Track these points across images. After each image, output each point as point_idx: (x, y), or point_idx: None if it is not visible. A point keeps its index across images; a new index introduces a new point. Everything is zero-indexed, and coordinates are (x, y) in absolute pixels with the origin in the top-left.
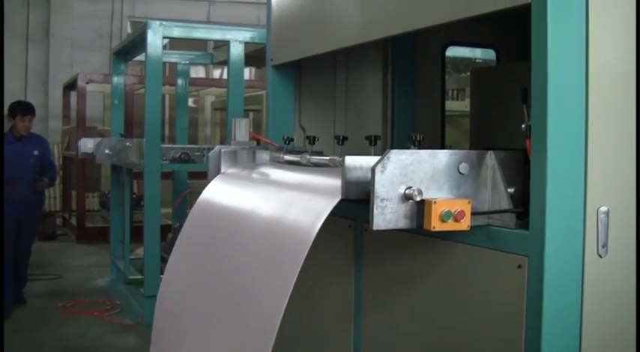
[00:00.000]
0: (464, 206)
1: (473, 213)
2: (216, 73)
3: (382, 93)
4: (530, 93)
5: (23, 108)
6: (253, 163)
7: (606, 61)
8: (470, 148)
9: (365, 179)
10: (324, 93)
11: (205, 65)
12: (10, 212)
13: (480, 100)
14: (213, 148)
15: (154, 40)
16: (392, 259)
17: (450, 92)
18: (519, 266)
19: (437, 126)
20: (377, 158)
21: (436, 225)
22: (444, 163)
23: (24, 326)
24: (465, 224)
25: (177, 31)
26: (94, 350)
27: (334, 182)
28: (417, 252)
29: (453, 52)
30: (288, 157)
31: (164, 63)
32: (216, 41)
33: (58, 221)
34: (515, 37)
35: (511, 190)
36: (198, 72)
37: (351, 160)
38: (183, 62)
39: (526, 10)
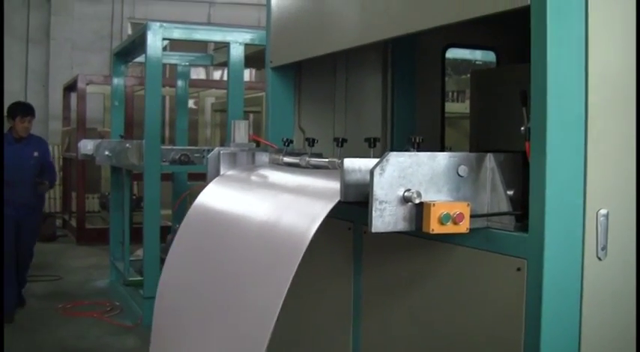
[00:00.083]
0: (463, 208)
1: (472, 216)
2: (217, 75)
3: (382, 95)
4: (530, 96)
5: (23, 109)
6: (252, 165)
7: (606, 63)
8: (470, 150)
9: (364, 181)
10: (324, 95)
11: (205, 66)
12: (11, 214)
13: (479, 102)
14: (212, 150)
15: (154, 41)
16: (391, 261)
17: (450, 94)
18: (518, 269)
19: (437, 128)
20: (376, 160)
21: (435, 228)
22: (443, 166)
23: (24, 327)
24: (464, 226)
25: (177, 33)
26: None
27: (331, 185)
28: (416, 255)
29: (453, 53)
30: (287, 159)
31: (164, 64)
32: (216, 43)
33: (58, 222)
34: (516, 38)
35: (510, 193)
36: (198, 73)
37: (349, 162)
38: (183, 63)
39: (526, 11)
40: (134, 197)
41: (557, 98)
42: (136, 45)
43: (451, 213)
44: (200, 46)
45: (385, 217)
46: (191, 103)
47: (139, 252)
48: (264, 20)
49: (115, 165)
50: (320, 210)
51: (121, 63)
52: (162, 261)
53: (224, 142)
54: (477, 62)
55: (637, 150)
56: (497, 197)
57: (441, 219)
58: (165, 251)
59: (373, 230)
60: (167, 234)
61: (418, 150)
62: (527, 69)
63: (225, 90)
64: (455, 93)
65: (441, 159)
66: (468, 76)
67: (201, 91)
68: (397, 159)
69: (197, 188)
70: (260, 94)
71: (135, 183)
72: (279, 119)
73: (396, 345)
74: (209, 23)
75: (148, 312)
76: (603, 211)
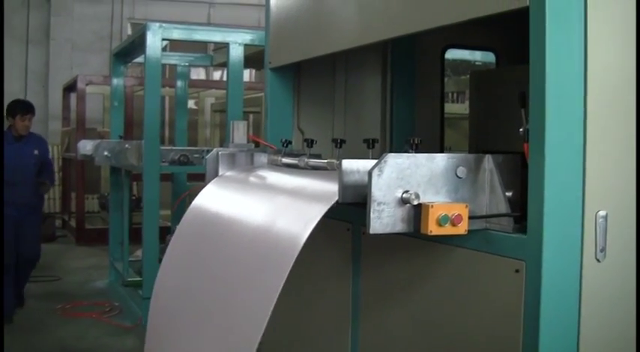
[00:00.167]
0: (461, 210)
1: (470, 217)
2: (217, 75)
3: (381, 95)
4: (529, 97)
5: (23, 107)
6: (251, 166)
7: (605, 65)
8: (469, 151)
9: (362, 182)
10: (323, 96)
11: (205, 67)
12: (12, 214)
13: (479, 103)
14: (212, 150)
15: (154, 41)
16: (390, 263)
17: (450, 94)
18: (517, 271)
19: (436, 129)
20: (374, 161)
21: (433, 229)
22: (441, 167)
23: (23, 327)
24: (462, 228)
25: (177, 33)
26: None
27: (327, 188)
28: (415, 256)
29: (452, 54)
30: (285, 160)
31: (164, 65)
32: (215, 43)
33: (58, 223)
34: (515, 39)
35: (509, 194)
36: (198, 73)
37: (348, 163)
38: (182, 64)
39: (525, 12)
40: (133, 197)
41: (556, 99)
42: (135, 45)
43: (449, 215)
44: (200, 46)
45: (383, 219)
46: (192, 104)
47: (139, 253)
48: (264, 21)
49: (115, 166)
50: (314, 215)
51: (121, 63)
52: (161, 261)
53: (223, 143)
54: (477, 63)
55: (637, 151)
56: (496, 198)
57: (440, 221)
58: (164, 251)
59: (371, 231)
60: (166, 234)
61: (416, 152)
62: (526, 70)
63: (224, 91)
64: (455, 94)
65: (440, 161)
66: (468, 76)
67: (201, 92)
68: (395, 161)
69: (196, 188)
70: (260, 95)
71: (134, 183)
72: (278, 120)
73: (395, 346)
74: (209, 24)
75: (147, 313)
76: (602, 213)
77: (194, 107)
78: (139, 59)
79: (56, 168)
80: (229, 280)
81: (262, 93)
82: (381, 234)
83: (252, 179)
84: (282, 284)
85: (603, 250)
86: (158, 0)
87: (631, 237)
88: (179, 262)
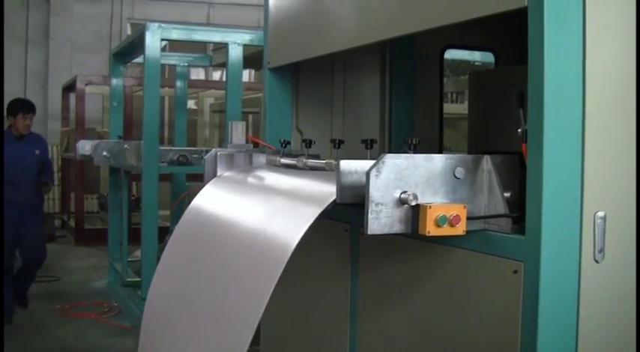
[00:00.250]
0: (459, 210)
1: (468, 218)
2: (216, 75)
3: (380, 96)
4: (527, 97)
5: (25, 106)
6: (249, 166)
7: (604, 65)
8: (468, 151)
9: (360, 183)
10: (322, 97)
11: (205, 67)
12: (13, 215)
13: (478, 103)
14: (210, 151)
15: (153, 42)
16: (388, 263)
17: (450, 95)
18: (515, 272)
19: (435, 130)
20: (372, 162)
21: (431, 230)
22: (439, 167)
23: (22, 328)
24: (460, 229)
25: (176, 33)
26: None
27: (323, 189)
28: (414, 257)
29: (451, 54)
30: (284, 160)
31: (164, 65)
32: (215, 43)
33: (57, 223)
34: (514, 40)
35: (507, 195)
36: (198, 74)
37: (346, 164)
38: (182, 64)
39: (524, 12)
40: (133, 198)
41: (554, 99)
42: (134, 45)
43: (447, 216)
44: (200, 46)
45: (381, 219)
46: (192, 104)
47: (138, 253)
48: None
49: (114, 166)
50: (306, 219)
51: (120, 63)
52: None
53: (222, 143)
54: (476, 63)
55: (636, 152)
56: (494, 199)
57: (438, 222)
58: (163, 252)
59: (369, 232)
60: (165, 234)
61: (415, 152)
62: (525, 70)
63: (224, 91)
64: (454, 94)
65: (438, 161)
66: (467, 77)
67: (200, 92)
68: (393, 161)
69: (195, 189)
70: (259, 95)
71: (133, 183)
72: (277, 120)
73: (394, 347)
74: (208, 24)
75: None
76: (601, 213)
77: (194, 107)
78: (139, 59)
79: (55, 168)
80: (223, 282)
81: (262, 94)
82: (379, 235)
83: (250, 180)
84: (272, 288)
85: (602, 251)
86: (158, 0)
87: (629, 238)
88: (176, 263)
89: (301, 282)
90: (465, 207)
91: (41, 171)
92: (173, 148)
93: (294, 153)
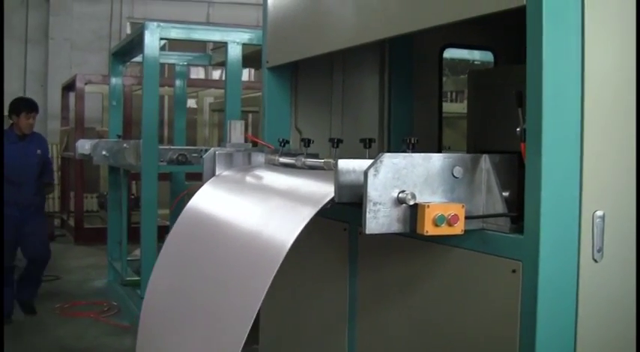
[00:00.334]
0: (457, 210)
1: (467, 217)
2: (216, 74)
3: (379, 95)
4: (526, 97)
5: (28, 105)
6: (248, 166)
7: (602, 64)
8: (467, 150)
9: (358, 182)
10: (321, 96)
11: (205, 66)
12: (15, 215)
13: (477, 102)
14: (209, 150)
15: (152, 41)
16: (387, 262)
17: (449, 94)
18: (514, 271)
19: (434, 129)
20: (370, 161)
21: (429, 230)
22: (437, 167)
23: (22, 327)
24: (458, 228)
25: (175, 33)
26: None
27: (320, 189)
28: (412, 256)
29: (451, 53)
30: (283, 160)
31: (164, 64)
32: (214, 42)
33: (56, 222)
34: (514, 39)
35: (506, 194)
36: (198, 73)
37: (344, 163)
38: (181, 63)
39: (523, 11)
40: (132, 197)
41: (553, 99)
42: (133, 45)
43: (446, 215)
44: (199, 45)
45: (379, 219)
46: (192, 103)
47: (137, 252)
48: None
49: (113, 165)
50: (304, 217)
51: (119, 63)
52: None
53: (221, 142)
54: (476, 62)
55: (637, 151)
56: (493, 198)
57: (436, 221)
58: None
59: (367, 231)
60: (165, 233)
61: (413, 151)
62: (524, 69)
63: (224, 90)
64: (454, 93)
65: (436, 161)
66: (466, 75)
67: (200, 91)
68: (391, 161)
69: (194, 188)
70: (259, 94)
71: (133, 182)
72: (276, 119)
73: (392, 346)
74: (208, 23)
75: None
76: (599, 213)
77: (193, 106)
78: (138, 58)
79: (55, 168)
80: (220, 281)
81: (261, 93)
82: (377, 235)
83: (247, 179)
84: (267, 286)
85: (600, 250)
86: None
87: (628, 237)
88: (173, 261)
89: (300, 282)
90: (463, 206)
91: (42, 172)
92: (172, 147)
93: (293, 152)
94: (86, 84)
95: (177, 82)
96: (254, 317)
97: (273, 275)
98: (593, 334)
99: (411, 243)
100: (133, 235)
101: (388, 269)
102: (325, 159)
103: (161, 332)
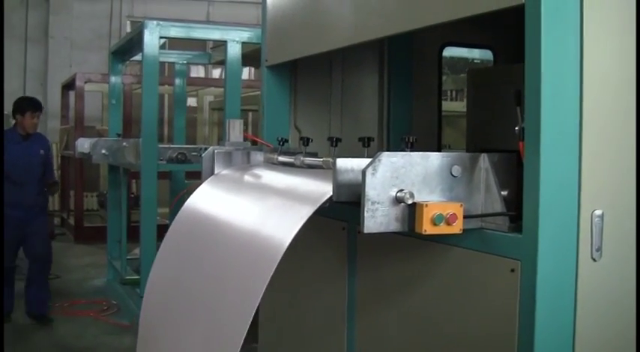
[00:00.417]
0: (456, 209)
1: (465, 216)
2: (216, 73)
3: (378, 94)
4: (524, 95)
5: (33, 105)
6: (247, 165)
7: (601, 63)
8: (467, 149)
9: (357, 181)
10: (320, 95)
11: (205, 65)
12: (17, 216)
13: (476, 101)
14: (209, 148)
15: (151, 39)
16: (385, 262)
17: (449, 92)
18: (512, 271)
19: (434, 127)
20: (369, 160)
21: (428, 229)
22: (436, 166)
23: (21, 327)
24: (457, 227)
25: (174, 31)
26: (90, 351)
27: (318, 188)
28: (411, 255)
29: (450, 52)
30: (281, 158)
31: (164, 62)
32: (214, 41)
33: (56, 221)
34: (513, 37)
35: (504, 193)
36: (198, 71)
37: (342, 162)
38: (181, 62)
39: (522, 10)
40: (132, 195)
41: (551, 98)
42: (133, 43)
43: (444, 214)
44: (199, 44)
45: (377, 218)
46: (192, 101)
47: (137, 251)
48: None
49: (113, 164)
50: (302, 215)
51: (119, 61)
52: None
53: (220, 141)
54: (475, 61)
55: (636, 150)
56: (491, 197)
57: (434, 220)
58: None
59: (365, 230)
60: (164, 232)
61: (412, 150)
62: (524, 68)
63: (223, 89)
64: (454, 92)
65: (434, 159)
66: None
67: (199, 89)
68: (390, 160)
69: (194, 186)
70: (259, 93)
71: (132, 181)
72: (275, 118)
73: (391, 345)
74: (208, 21)
75: None
76: (598, 212)
77: (193, 105)
78: (138, 57)
79: (55, 166)
80: (218, 278)
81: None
82: (375, 234)
83: (246, 178)
84: (266, 284)
85: (599, 249)
86: None
87: (627, 236)
88: (171, 259)
89: (299, 281)
90: (461, 205)
91: (45, 172)
92: (172, 146)
93: (292, 150)
94: (86, 82)
95: (177, 81)
96: (253, 314)
97: (272, 273)
98: (591, 333)
99: (410, 242)
100: (133, 234)
101: (387, 268)
102: (324, 158)
103: (161, 328)
